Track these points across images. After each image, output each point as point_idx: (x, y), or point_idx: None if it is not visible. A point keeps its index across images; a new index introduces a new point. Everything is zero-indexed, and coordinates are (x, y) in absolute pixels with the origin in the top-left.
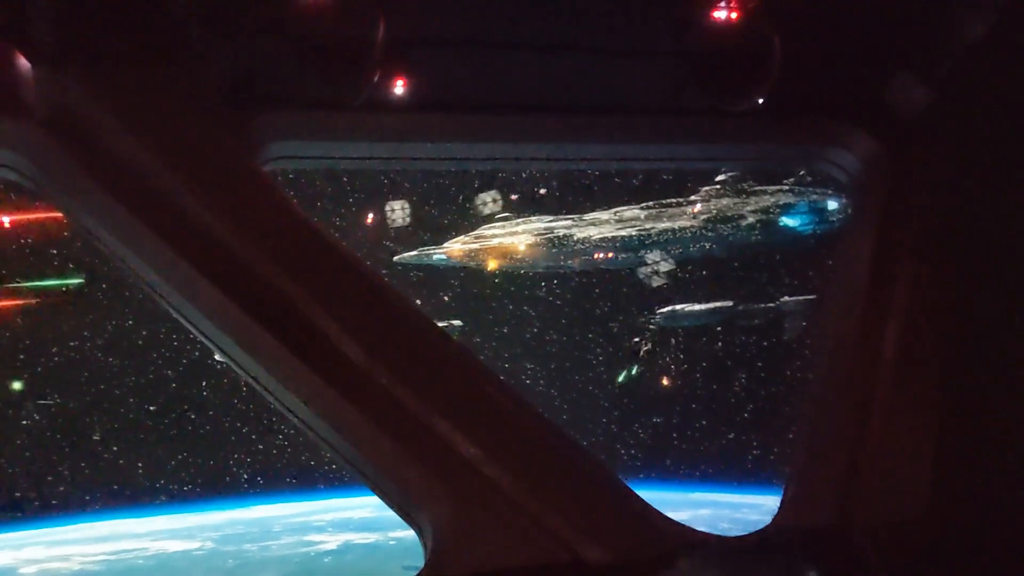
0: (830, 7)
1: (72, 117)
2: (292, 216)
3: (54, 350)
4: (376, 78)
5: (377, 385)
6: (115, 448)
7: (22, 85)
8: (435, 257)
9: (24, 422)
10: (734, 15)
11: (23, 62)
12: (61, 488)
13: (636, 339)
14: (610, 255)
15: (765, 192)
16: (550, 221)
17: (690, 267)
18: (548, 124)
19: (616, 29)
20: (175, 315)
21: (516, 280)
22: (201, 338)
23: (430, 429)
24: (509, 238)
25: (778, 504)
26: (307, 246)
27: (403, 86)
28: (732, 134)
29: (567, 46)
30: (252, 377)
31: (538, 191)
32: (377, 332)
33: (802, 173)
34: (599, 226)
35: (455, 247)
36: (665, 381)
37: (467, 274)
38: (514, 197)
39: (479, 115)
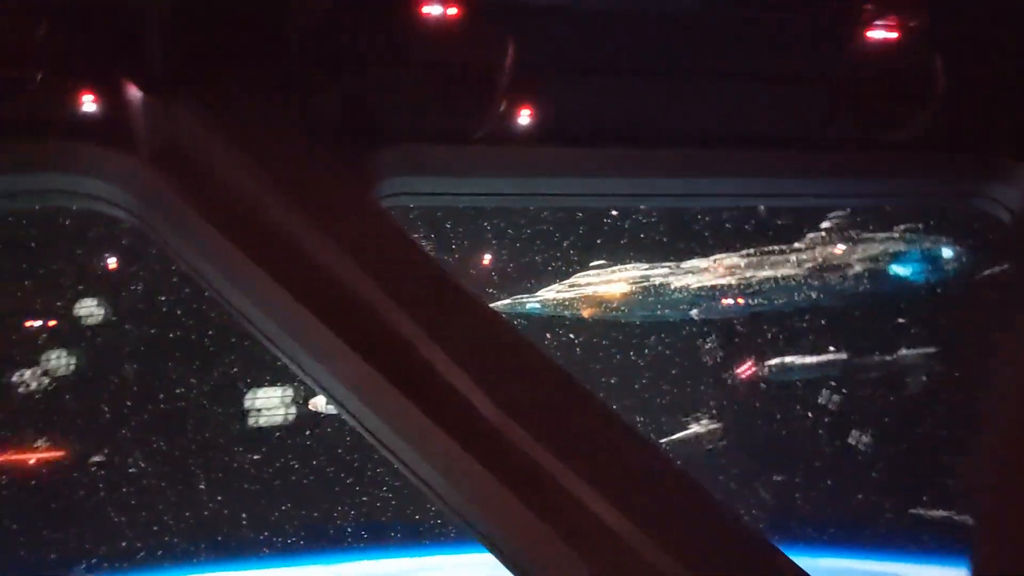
0: (1000, 27)
1: (181, 151)
2: (414, 254)
3: (161, 396)
4: (501, 108)
5: (506, 439)
6: (219, 498)
7: (131, 117)
8: (528, 306)
9: (131, 470)
10: (892, 35)
11: (134, 92)
12: (165, 538)
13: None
14: (740, 301)
15: (874, 240)
16: (646, 269)
17: (807, 316)
18: (683, 158)
19: (757, 53)
20: (284, 359)
21: (621, 328)
22: (312, 384)
23: (564, 489)
24: (604, 286)
25: None
26: (430, 287)
27: (529, 117)
28: (884, 168)
29: (705, 72)
30: (364, 426)
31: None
32: (505, 380)
33: (917, 218)
34: (698, 274)
35: (549, 295)
36: (785, 433)
37: (570, 322)
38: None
39: (609, 148)
